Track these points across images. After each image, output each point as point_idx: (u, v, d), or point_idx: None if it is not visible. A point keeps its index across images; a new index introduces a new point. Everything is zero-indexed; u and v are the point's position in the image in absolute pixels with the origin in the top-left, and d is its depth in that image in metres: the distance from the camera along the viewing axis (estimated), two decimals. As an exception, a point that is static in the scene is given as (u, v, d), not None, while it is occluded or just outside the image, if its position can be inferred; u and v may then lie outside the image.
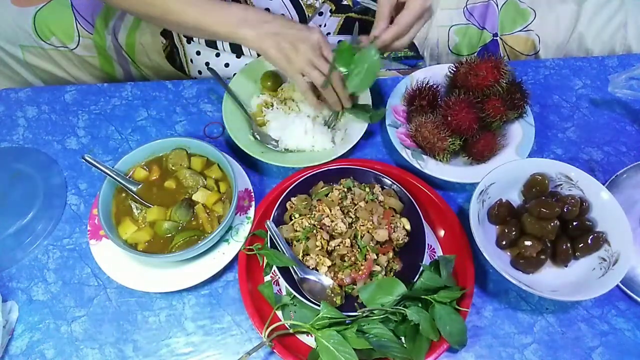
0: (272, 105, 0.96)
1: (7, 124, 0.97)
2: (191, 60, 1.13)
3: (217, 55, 1.09)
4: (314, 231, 0.75)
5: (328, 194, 0.79)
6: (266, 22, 0.77)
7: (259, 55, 1.04)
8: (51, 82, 1.28)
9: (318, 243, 0.74)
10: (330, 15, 1.10)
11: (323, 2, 1.07)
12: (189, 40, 1.07)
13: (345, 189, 0.80)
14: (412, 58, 1.13)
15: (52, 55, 1.21)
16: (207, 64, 1.10)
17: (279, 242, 0.74)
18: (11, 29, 1.18)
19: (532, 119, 0.88)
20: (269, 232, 0.75)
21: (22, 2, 1.20)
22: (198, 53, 1.12)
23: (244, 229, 0.80)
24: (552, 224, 0.74)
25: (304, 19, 1.05)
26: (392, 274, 0.75)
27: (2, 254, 0.81)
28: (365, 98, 0.94)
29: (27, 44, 1.20)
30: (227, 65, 1.10)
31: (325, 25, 1.11)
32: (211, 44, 1.08)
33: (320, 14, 1.08)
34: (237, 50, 1.05)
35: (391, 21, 0.82)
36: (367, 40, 0.81)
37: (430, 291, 0.69)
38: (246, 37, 0.77)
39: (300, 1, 1.04)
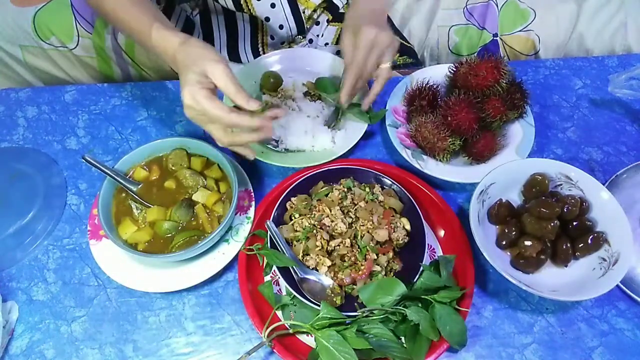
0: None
1: (7, 124, 0.97)
2: None
3: None
4: (314, 231, 0.75)
5: (328, 194, 0.79)
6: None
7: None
8: (51, 83, 1.28)
9: (318, 243, 0.74)
10: (328, 25, 1.10)
11: (321, 12, 1.07)
12: None
13: (345, 189, 0.80)
14: (412, 65, 1.13)
15: (52, 56, 1.21)
16: None
17: (279, 242, 0.74)
18: (11, 29, 1.18)
19: (532, 119, 0.88)
20: (269, 232, 0.75)
21: (22, 2, 1.20)
22: None
23: (244, 229, 0.80)
24: (552, 224, 0.74)
25: (302, 30, 1.05)
26: (392, 274, 0.75)
27: (2, 254, 0.81)
28: (365, 98, 0.94)
29: (27, 44, 1.20)
30: None
31: (322, 35, 1.11)
32: None
33: (317, 23, 1.08)
34: (236, 59, 1.05)
35: None
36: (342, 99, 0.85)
37: (430, 291, 0.69)
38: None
39: (302, 14, 1.04)
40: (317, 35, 1.11)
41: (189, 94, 0.66)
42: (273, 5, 0.99)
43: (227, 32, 1.02)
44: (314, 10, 1.06)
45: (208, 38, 1.05)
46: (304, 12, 1.04)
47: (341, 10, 1.11)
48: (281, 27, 1.03)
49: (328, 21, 1.10)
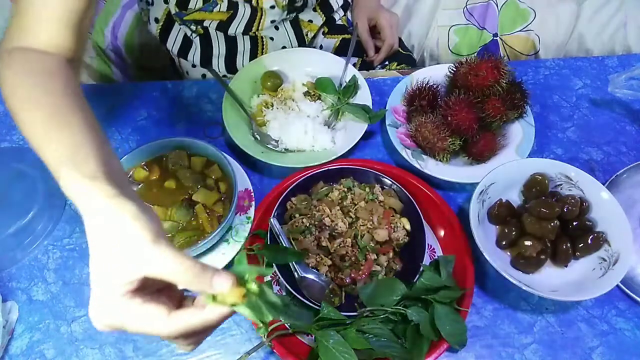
0: (272, 105, 0.96)
1: (7, 124, 0.97)
2: (187, 72, 1.14)
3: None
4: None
5: (328, 194, 0.79)
6: None
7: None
8: (51, 82, 1.27)
9: (318, 243, 0.74)
10: (324, 37, 1.11)
11: (320, 28, 1.08)
12: (185, 57, 1.09)
13: (345, 189, 0.80)
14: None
15: (52, 56, 1.21)
16: (203, 75, 1.11)
17: (282, 239, 0.74)
18: (11, 29, 1.18)
19: (532, 119, 0.88)
20: (269, 230, 0.75)
21: (22, 2, 1.19)
22: (194, 66, 1.12)
23: (244, 229, 0.80)
24: (552, 224, 0.74)
25: (303, 45, 1.07)
26: (392, 274, 0.75)
27: (2, 254, 0.81)
28: (365, 98, 0.94)
29: (27, 44, 1.19)
30: (224, 77, 1.10)
31: (321, 47, 1.13)
32: (206, 63, 1.08)
33: (315, 36, 1.10)
34: (233, 72, 1.06)
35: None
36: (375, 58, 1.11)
37: (430, 291, 0.69)
38: None
39: (305, 37, 1.05)
40: (315, 47, 1.12)
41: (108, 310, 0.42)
42: (277, 28, 1.01)
43: (227, 48, 1.04)
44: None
45: (206, 53, 1.06)
46: (306, 35, 1.05)
47: (338, 22, 1.12)
48: (284, 47, 1.04)
49: (324, 33, 1.11)
